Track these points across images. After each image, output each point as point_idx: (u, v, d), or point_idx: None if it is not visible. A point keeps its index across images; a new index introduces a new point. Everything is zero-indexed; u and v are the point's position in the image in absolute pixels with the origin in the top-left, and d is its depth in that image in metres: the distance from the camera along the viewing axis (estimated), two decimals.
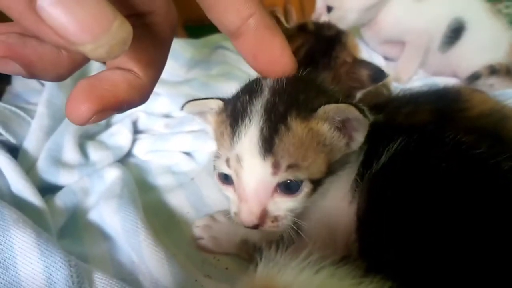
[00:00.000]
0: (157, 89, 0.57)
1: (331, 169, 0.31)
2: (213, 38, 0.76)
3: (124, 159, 0.54)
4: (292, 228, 0.32)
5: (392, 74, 0.66)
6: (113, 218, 0.42)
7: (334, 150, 0.31)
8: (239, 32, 0.28)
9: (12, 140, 0.50)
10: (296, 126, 0.29)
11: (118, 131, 0.55)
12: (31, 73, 0.24)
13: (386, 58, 0.75)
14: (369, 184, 0.32)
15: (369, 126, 0.32)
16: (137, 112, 0.58)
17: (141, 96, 0.26)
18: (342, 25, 0.64)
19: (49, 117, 0.53)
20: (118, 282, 0.33)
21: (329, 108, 0.30)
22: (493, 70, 0.65)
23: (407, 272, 0.27)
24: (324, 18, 0.72)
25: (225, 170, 0.31)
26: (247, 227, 0.31)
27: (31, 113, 0.55)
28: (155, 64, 0.27)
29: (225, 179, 0.32)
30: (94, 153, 0.51)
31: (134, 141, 0.56)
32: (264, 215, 0.30)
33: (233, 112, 0.31)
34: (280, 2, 1.14)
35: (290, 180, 0.30)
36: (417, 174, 0.31)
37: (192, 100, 0.35)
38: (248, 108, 0.31)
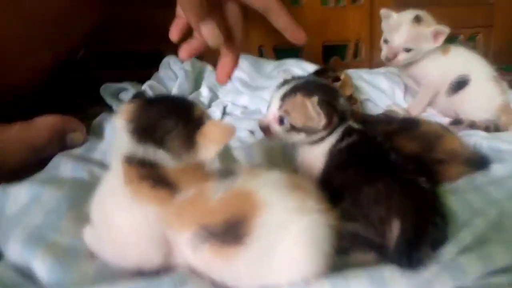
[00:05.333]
0: (241, 89, 0.92)
1: (307, 130, 0.57)
2: (287, 61, 1.08)
3: None
4: None
5: (400, 109, 0.91)
6: None
7: (309, 118, 0.56)
8: (284, 30, 0.61)
9: None
10: (298, 97, 0.57)
11: (214, 110, 0.89)
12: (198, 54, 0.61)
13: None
14: (331, 155, 0.62)
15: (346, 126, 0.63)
16: (227, 102, 0.93)
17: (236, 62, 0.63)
18: (409, 61, 0.90)
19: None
20: None
21: (316, 99, 0.55)
22: (472, 124, 0.84)
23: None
24: (401, 56, 0.89)
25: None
26: (260, 127, 0.61)
27: (168, 91, 0.93)
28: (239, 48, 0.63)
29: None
30: None
31: (222, 118, 0.89)
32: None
33: (285, 81, 0.62)
34: (353, 38, 1.42)
35: (283, 116, 0.57)
36: (351, 153, 0.58)
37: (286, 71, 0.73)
38: (287, 83, 0.60)
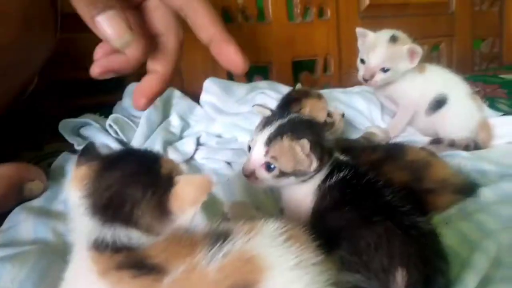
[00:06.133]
0: (214, 116, 0.86)
1: (297, 173, 0.54)
2: (259, 84, 1.04)
3: (188, 161, 0.81)
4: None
5: (379, 131, 0.88)
6: None
7: (299, 163, 0.53)
8: (209, 43, 0.45)
9: (124, 139, 0.81)
10: (285, 141, 0.53)
11: (187, 142, 0.84)
12: (117, 74, 0.44)
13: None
14: (321, 193, 0.58)
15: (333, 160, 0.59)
16: (200, 132, 0.87)
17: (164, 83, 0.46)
18: (386, 81, 0.89)
19: (147, 127, 0.83)
20: None
21: (306, 142, 0.53)
22: (452, 143, 0.84)
23: None
24: (378, 76, 0.87)
25: (250, 144, 0.57)
26: (244, 174, 0.55)
27: (135, 123, 0.87)
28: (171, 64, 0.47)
29: (249, 149, 0.57)
30: (171, 154, 0.79)
31: (196, 150, 0.83)
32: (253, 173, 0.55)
33: (265, 121, 0.57)
34: (322, 53, 1.41)
35: (271, 163, 0.54)
36: (343, 191, 0.55)
37: (259, 105, 0.65)
38: (269, 124, 0.55)
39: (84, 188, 0.35)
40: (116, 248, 0.33)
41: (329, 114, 0.79)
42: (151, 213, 0.36)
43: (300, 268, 0.37)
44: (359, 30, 0.89)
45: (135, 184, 0.35)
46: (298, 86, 0.79)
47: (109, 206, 0.34)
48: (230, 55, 0.45)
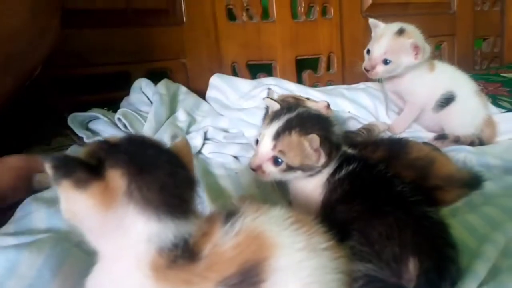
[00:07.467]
0: (222, 112, 0.86)
1: (304, 168, 0.55)
2: (265, 80, 1.04)
3: (196, 155, 0.82)
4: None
5: (382, 125, 0.88)
6: None
7: (307, 157, 0.54)
8: None
9: (133, 133, 0.81)
10: (294, 135, 0.54)
11: (195, 136, 0.84)
12: None
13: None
14: (330, 186, 0.59)
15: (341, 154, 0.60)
16: (207, 126, 0.88)
17: None
18: (388, 74, 0.88)
19: (155, 122, 0.83)
20: None
21: (315, 137, 0.53)
22: (457, 139, 0.85)
23: None
24: (379, 67, 0.87)
25: (258, 137, 0.57)
26: (251, 168, 0.56)
27: (143, 118, 0.87)
28: None
29: (256, 143, 0.58)
30: None
31: (203, 144, 0.83)
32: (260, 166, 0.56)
33: (274, 115, 0.57)
34: (325, 51, 1.41)
35: (278, 157, 0.54)
36: (354, 183, 0.55)
37: (269, 98, 0.66)
38: (277, 118, 0.56)
39: (132, 194, 0.33)
40: (176, 245, 0.34)
41: None
42: (193, 191, 0.37)
43: (309, 250, 0.38)
44: (371, 20, 0.90)
45: (179, 172, 0.36)
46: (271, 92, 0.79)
47: (174, 202, 0.34)
48: None
